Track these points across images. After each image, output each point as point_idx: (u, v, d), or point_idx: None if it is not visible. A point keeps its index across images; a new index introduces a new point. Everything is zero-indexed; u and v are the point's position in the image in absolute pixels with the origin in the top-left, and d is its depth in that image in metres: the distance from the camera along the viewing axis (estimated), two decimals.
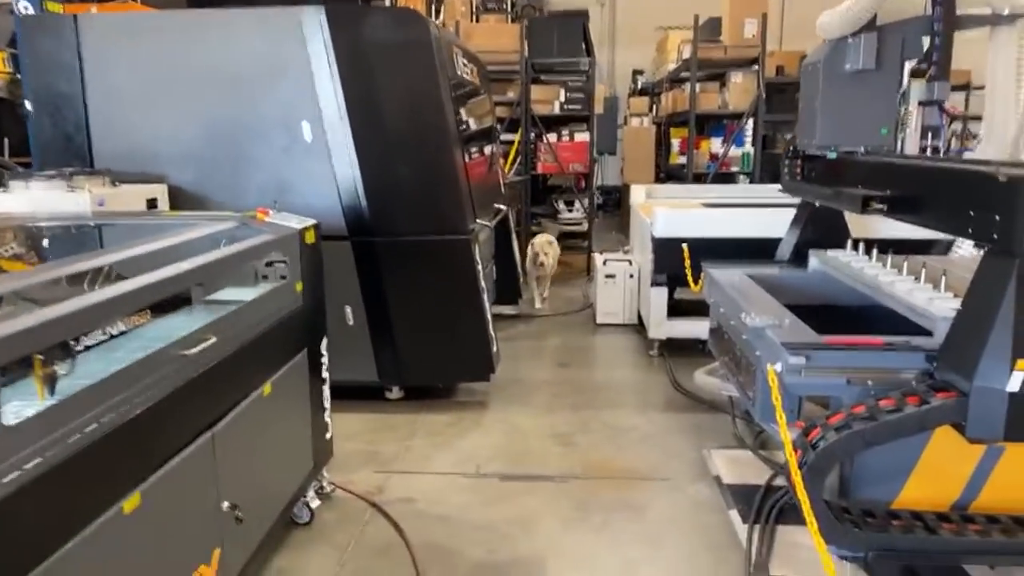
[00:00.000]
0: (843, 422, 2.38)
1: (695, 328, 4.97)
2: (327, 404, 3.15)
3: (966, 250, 4.54)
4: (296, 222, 2.89)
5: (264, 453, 2.51)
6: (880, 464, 2.51)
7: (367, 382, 4.23)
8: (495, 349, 4.35)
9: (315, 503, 3.05)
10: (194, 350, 2.00)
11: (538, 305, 6.44)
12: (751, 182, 7.93)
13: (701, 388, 4.01)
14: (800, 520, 2.76)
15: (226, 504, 2.18)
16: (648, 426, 4.06)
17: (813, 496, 2.32)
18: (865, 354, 2.52)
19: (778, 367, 2.56)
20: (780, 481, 3.33)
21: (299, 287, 2.79)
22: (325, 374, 3.12)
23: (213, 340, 2.10)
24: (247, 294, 2.58)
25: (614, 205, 12.55)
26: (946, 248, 4.70)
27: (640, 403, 4.41)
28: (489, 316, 4.30)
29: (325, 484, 3.26)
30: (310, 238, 2.91)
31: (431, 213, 4.06)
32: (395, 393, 4.36)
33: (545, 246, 6.40)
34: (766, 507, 3.09)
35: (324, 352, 3.09)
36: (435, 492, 3.33)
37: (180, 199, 4.04)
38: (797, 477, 2.33)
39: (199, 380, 2.04)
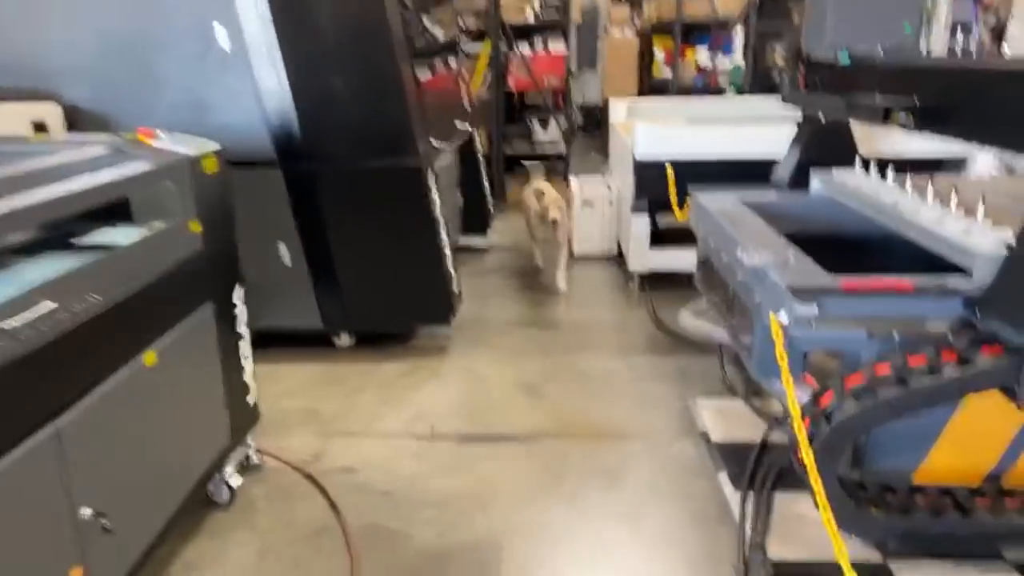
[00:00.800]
0: (863, 386, 1.94)
1: (680, 259, 4.50)
2: (247, 363, 2.67)
3: (983, 167, 4.05)
4: (190, 147, 2.33)
5: (149, 437, 2.03)
6: (901, 427, 2.08)
7: (311, 329, 3.74)
8: (456, 288, 3.86)
9: (236, 480, 2.60)
10: (15, 322, 1.49)
11: (562, 287, 4.72)
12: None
13: (686, 329, 3.56)
14: (802, 486, 2.38)
15: (87, 512, 1.71)
16: (627, 372, 3.63)
17: (826, 477, 1.90)
18: (891, 300, 2.06)
19: (783, 317, 2.10)
20: (777, 437, 2.93)
21: (195, 227, 2.26)
22: (242, 329, 2.62)
23: (51, 307, 1.59)
24: (124, 236, 2.05)
25: (595, 125, 11.85)
26: (957, 167, 4.22)
27: (618, 345, 3.97)
28: (448, 251, 3.79)
29: (252, 454, 2.81)
30: (210, 167, 2.36)
31: (375, 135, 3.47)
32: (344, 340, 3.89)
33: (555, 198, 4.60)
34: (761, 470, 2.69)
35: (239, 302, 2.58)
36: (381, 459, 2.89)
37: (79, 121, 3.42)
38: (807, 454, 1.90)
39: (30, 360, 1.54)
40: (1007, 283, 1.88)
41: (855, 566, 2.07)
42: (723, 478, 2.70)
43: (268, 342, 3.78)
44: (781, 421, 3.01)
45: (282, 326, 3.67)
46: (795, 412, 1.97)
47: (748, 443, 2.90)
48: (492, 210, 5.76)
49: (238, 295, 2.58)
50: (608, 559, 2.32)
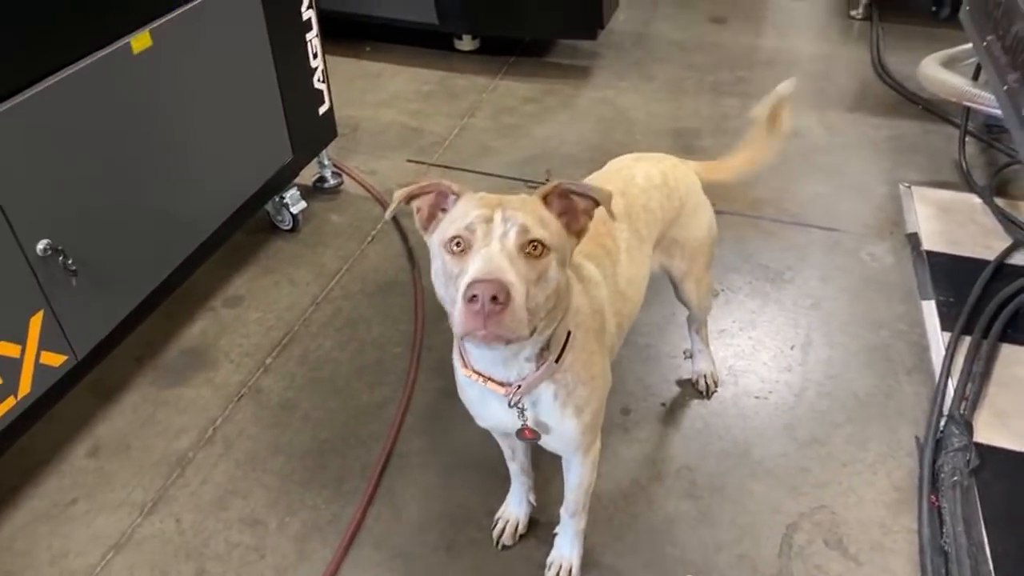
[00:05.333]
0: None
1: None
2: (317, 63, 2.06)
3: None
4: None
5: (149, 148, 1.54)
6: None
7: (425, 24, 3.02)
8: None
9: (299, 206, 2.15)
10: None
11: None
12: None
13: (928, 83, 2.51)
14: None
15: (41, 245, 1.29)
16: (822, 133, 2.73)
17: None
18: None
19: None
20: (1021, 259, 2.08)
21: None
22: (307, 13, 1.97)
23: None
24: None
25: None
26: None
27: (817, 94, 2.99)
28: None
29: (328, 175, 2.34)
30: None
31: None
32: (466, 43, 3.17)
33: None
34: (989, 307, 1.90)
35: None
36: None
37: None
38: None
39: None
40: None
41: None
42: (929, 309, 1.95)
43: (373, 34, 3.15)
44: None
45: (389, 17, 2.98)
46: None
47: (976, 261, 2.08)
48: None
49: None
50: (747, 392, 1.75)
